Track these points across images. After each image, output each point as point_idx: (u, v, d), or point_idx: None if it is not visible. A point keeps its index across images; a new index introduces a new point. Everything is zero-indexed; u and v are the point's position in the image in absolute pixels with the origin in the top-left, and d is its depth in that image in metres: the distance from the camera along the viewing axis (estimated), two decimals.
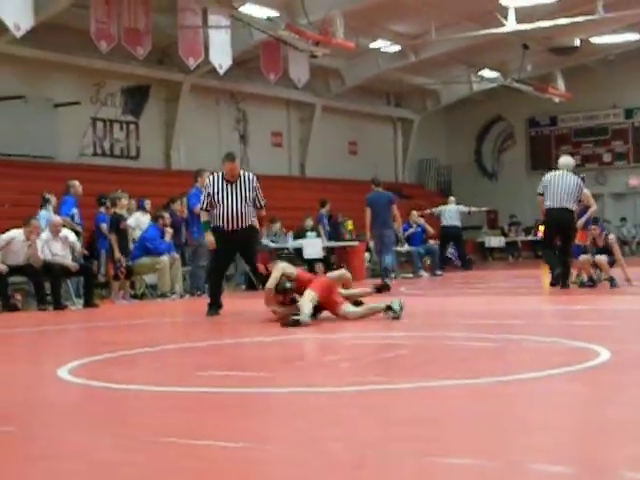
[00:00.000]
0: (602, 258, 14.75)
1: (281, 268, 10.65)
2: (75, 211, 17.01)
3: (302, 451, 4.03)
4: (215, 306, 12.07)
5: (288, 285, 10.44)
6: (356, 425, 4.56)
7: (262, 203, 12.27)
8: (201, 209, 12.40)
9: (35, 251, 14.84)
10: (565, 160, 15.72)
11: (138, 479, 3.74)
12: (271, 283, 10.53)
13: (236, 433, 4.48)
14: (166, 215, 17.43)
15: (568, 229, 15.08)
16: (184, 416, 5.01)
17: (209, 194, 12.04)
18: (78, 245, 15.97)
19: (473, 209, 25.65)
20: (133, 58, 22.47)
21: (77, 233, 16.50)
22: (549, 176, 15.26)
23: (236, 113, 29.96)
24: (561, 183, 15.04)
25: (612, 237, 15.26)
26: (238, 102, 29.86)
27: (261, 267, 11.84)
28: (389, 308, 10.21)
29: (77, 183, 17.15)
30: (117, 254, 16.20)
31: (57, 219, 15.70)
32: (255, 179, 12.38)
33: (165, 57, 26.06)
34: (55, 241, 15.40)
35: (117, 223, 16.40)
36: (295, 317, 9.80)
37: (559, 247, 15.36)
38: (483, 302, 13.81)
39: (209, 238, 12.16)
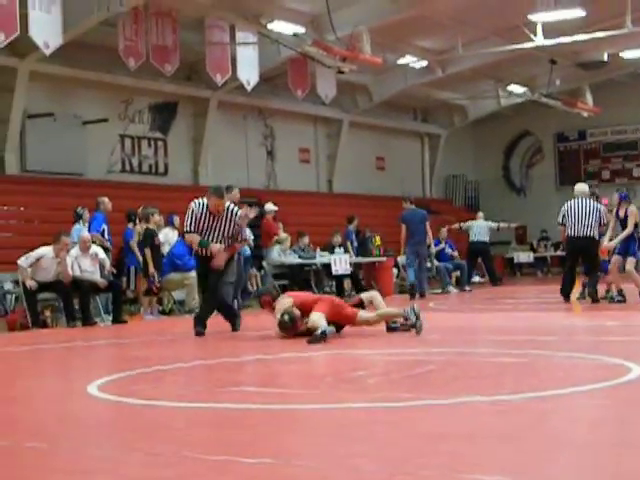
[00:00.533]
0: (631, 264, 14.78)
1: (278, 310, 10.57)
2: (105, 227, 17.08)
3: (331, 467, 4.02)
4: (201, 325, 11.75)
5: (287, 318, 10.36)
6: (385, 441, 4.55)
7: (244, 237, 12.20)
8: (187, 232, 11.81)
9: (65, 268, 14.89)
10: (580, 187, 15.96)
11: None
12: (276, 325, 10.52)
13: (265, 449, 4.48)
14: None
15: (589, 256, 15.43)
16: (212, 432, 5.02)
17: (195, 218, 11.64)
18: (107, 262, 16.01)
19: (502, 225, 25.51)
20: (161, 75, 22.56)
21: (106, 250, 16.54)
22: (567, 205, 15.53)
23: (263, 129, 30.03)
24: (579, 211, 15.32)
25: (633, 208, 15.11)
26: (266, 118, 29.93)
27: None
28: (405, 318, 10.35)
29: (106, 200, 17.22)
30: (151, 269, 16.18)
31: (86, 235, 15.74)
32: (239, 213, 11.87)
33: (193, 74, 26.16)
34: (84, 257, 15.42)
35: (151, 238, 16.40)
36: (317, 333, 9.80)
37: (584, 268, 15.66)
38: (512, 318, 13.75)
39: (214, 248, 11.59)
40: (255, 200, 24.91)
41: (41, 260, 14.93)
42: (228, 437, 4.82)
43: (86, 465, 4.32)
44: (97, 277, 15.45)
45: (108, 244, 16.93)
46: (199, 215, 11.60)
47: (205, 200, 11.71)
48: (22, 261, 14.91)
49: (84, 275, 15.20)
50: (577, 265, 16.03)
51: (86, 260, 15.40)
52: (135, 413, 5.81)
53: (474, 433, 4.67)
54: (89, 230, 16.52)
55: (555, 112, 34.29)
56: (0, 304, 17.25)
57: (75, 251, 15.39)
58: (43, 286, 14.87)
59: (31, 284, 14.68)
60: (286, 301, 10.63)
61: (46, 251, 14.95)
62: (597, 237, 15.39)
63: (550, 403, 5.51)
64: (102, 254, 15.82)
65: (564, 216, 15.46)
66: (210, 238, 11.59)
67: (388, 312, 10.73)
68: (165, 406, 5.95)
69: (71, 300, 15.09)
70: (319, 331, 9.78)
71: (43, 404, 6.56)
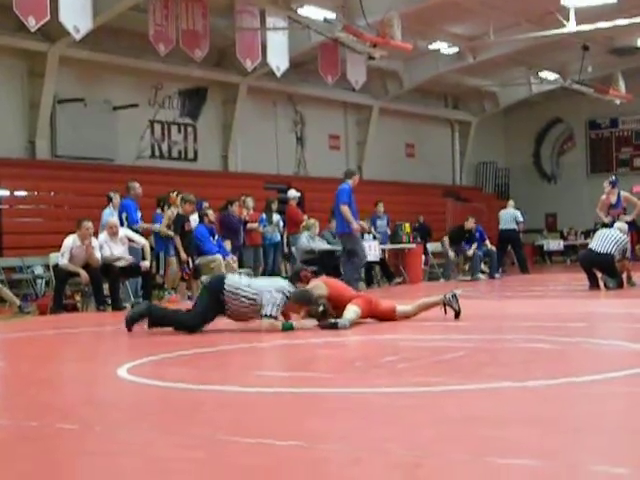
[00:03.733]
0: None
1: (316, 287, 10.27)
2: (139, 215, 16.95)
3: (361, 450, 4.02)
4: None
5: (322, 309, 10.08)
6: (415, 425, 4.54)
7: None
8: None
9: (91, 251, 14.84)
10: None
11: (196, 476, 3.75)
12: (294, 302, 10.05)
13: (294, 432, 4.48)
14: (210, 212, 17.48)
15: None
16: (243, 415, 5.02)
17: None
18: (147, 247, 15.79)
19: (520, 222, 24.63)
20: (191, 60, 22.58)
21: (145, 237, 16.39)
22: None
23: (293, 115, 30.01)
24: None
25: (625, 193, 16.60)
26: (295, 104, 29.91)
27: None
28: (444, 304, 10.29)
29: (137, 185, 17.08)
30: (183, 255, 16.16)
31: (113, 220, 15.69)
32: None
33: (223, 59, 26.18)
34: (114, 242, 15.40)
35: (182, 224, 16.33)
36: (333, 320, 9.75)
37: None
38: (541, 305, 13.69)
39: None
40: (285, 186, 24.96)
41: (108, 247, 15.01)
42: (258, 420, 4.83)
43: (117, 447, 4.33)
44: (127, 260, 15.38)
45: (143, 240, 16.62)
46: None
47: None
48: (61, 260, 14.83)
49: (115, 260, 15.20)
50: None
51: (116, 245, 15.41)
52: (165, 395, 5.83)
53: (504, 418, 4.65)
54: (128, 223, 16.35)
55: (587, 99, 34.05)
56: (31, 288, 17.37)
57: (104, 236, 15.41)
58: (74, 272, 14.90)
59: (84, 275, 14.70)
60: (321, 286, 10.33)
61: (72, 240, 14.96)
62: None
63: (581, 389, 5.48)
64: (140, 239, 15.76)
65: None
66: None
67: (426, 302, 10.67)
68: (195, 389, 5.96)
69: (100, 285, 15.14)
70: (334, 321, 9.72)
71: (73, 387, 6.59)
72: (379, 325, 10.11)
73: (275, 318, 9.80)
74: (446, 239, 22.74)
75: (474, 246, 22.34)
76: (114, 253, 15.28)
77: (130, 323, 10.12)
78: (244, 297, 9.88)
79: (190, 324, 9.94)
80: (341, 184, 16.54)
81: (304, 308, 10.20)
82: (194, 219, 17.72)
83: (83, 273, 14.65)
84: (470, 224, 22.80)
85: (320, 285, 10.37)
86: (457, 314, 10.21)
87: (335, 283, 10.76)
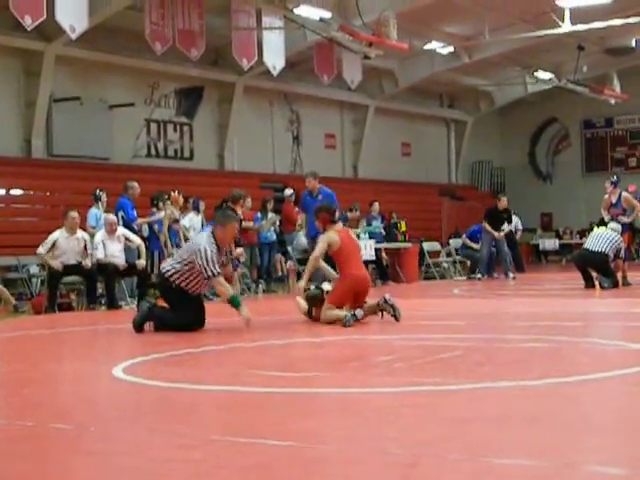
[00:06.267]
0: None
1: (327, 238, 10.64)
2: (135, 213, 16.86)
3: (357, 450, 4.02)
4: None
5: (318, 292, 10.57)
6: (411, 425, 4.54)
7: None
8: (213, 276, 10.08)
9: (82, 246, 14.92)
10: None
11: (193, 476, 3.75)
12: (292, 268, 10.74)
13: (291, 432, 4.48)
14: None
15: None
16: (239, 415, 5.02)
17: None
18: (142, 247, 15.67)
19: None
20: (187, 59, 22.56)
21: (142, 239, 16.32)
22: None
23: (289, 114, 30.01)
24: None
25: (626, 194, 16.85)
26: (291, 103, 29.91)
27: None
28: (380, 309, 10.30)
29: (136, 184, 16.96)
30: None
31: (113, 218, 15.61)
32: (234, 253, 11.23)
33: (219, 58, 26.16)
34: (111, 240, 15.32)
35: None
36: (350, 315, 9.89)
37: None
38: (537, 304, 13.70)
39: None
40: (281, 185, 24.96)
41: (57, 243, 14.92)
42: (253, 420, 4.82)
43: (112, 447, 4.33)
44: (122, 261, 15.38)
45: (138, 239, 16.57)
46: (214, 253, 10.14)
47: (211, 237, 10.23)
48: (40, 250, 14.88)
49: (111, 259, 15.18)
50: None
51: (113, 243, 15.35)
52: (161, 396, 5.82)
53: (500, 417, 4.66)
54: (125, 221, 16.26)
55: (582, 99, 34.08)
56: (26, 287, 17.33)
57: (101, 234, 15.37)
58: (68, 269, 14.90)
59: (56, 264, 14.69)
60: (333, 237, 10.62)
61: (58, 233, 14.95)
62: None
63: (576, 388, 5.48)
64: (137, 239, 15.67)
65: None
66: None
67: (369, 305, 10.60)
68: (190, 389, 5.96)
69: (94, 283, 15.14)
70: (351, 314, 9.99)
71: (68, 386, 6.59)
72: (374, 326, 10.10)
73: (219, 274, 9.96)
74: (485, 224, 21.95)
75: (508, 226, 22.09)
76: (111, 251, 15.21)
77: (139, 327, 10.15)
78: (182, 270, 10.03)
79: (182, 322, 9.95)
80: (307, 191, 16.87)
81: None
82: (189, 218, 17.71)
83: (56, 264, 14.67)
84: (503, 203, 22.07)
85: (332, 236, 10.58)
86: (396, 318, 10.11)
87: (349, 239, 10.89)
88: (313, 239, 16.35)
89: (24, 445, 4.41)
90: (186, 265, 10.02)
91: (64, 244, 14.91)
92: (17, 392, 6.25)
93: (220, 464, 3.89)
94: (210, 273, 9.88)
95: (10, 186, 20.51)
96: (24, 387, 6.40)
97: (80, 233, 15.24)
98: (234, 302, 10.00)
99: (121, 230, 15.55)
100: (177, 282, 10.07)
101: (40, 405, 5.60)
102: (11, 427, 4.90)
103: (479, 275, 21.48)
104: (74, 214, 15.06)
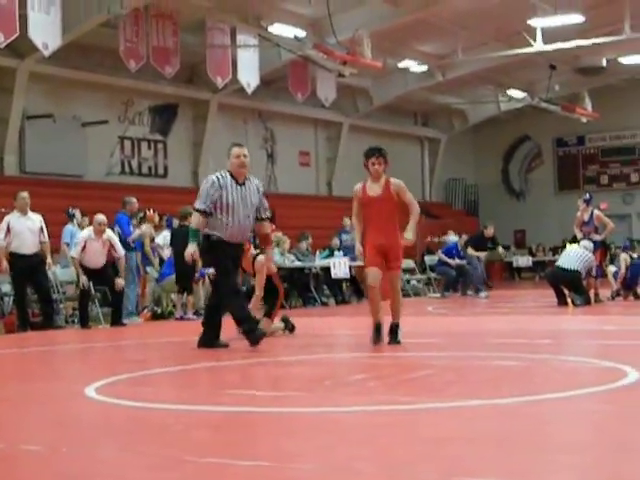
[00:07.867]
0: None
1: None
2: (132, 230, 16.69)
3: (330, 470, 4.02)
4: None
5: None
6: (385, 444, 4.54)
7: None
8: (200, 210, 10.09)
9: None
10: None
11: None
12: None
13: (263, 452, 4.47)
14: None
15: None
16: (210, 435, 5.01)
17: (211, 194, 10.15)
18: (122, 254, 15.29)
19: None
20: (161, 77, 22.59)
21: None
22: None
23: (264, 132, 30.05)
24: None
25: (597, 212, 17.25)
26: (266, 121, 29.95)
27: None
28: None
29: (134, 200, 16.77)
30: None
31: (102, 217, 15.02)
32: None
33: (193, 76, 26.19)
34: (96, 240, 14.84)
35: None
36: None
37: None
38: (510, 321, 13.74)
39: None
40: None
41: (87, 244, 14.77)
42: (226, 440, 4.81)
43: (85, 468, 4.30)
44: (100, 263, 15.05)
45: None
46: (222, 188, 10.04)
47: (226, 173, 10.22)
48: (74, 252, 14.78)
49: (92, 256, 14.86)
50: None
51: (97, 243, 14.88)
52: (133, 416, 5.79)
53: (473, 437, 4.66)
54: (121, 238, 16.05)
55: (554, 117, 34.31)
56: None
57: (88, 231, 15.08)
58: (92, 273, 14.81)
59: (84, 281, 14.61)
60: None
61: (88, 233, 14.83)
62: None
63: (548, 406, 5.50)
64: (120, 250, 15.21)
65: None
66: (235, 219, 10.12)
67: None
68: (163, 409, 5.93)
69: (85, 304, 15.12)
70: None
71: (39, 407, 6.53)
72: (346, 344, 10.10)
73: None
74: (469, 249, 22.19)
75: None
76: (93, 248, 14.82)
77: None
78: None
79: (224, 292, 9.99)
80: None
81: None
82: (163, 236, 17.66)
83: (83, 279, 14.60)
84: (490, 231, 22.36)
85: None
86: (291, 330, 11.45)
87: None
88: None
89: None
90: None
91: (94, 246, 14.76)
92: None
93: None
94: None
95: None
96: None
97: (35, 216, 14.95)
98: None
99: (109, 234, 15.11)
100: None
101: (10, 426, 5.55)
102: None
103: (484, 293, 21.43)
104: (24, 194, 14.93)
